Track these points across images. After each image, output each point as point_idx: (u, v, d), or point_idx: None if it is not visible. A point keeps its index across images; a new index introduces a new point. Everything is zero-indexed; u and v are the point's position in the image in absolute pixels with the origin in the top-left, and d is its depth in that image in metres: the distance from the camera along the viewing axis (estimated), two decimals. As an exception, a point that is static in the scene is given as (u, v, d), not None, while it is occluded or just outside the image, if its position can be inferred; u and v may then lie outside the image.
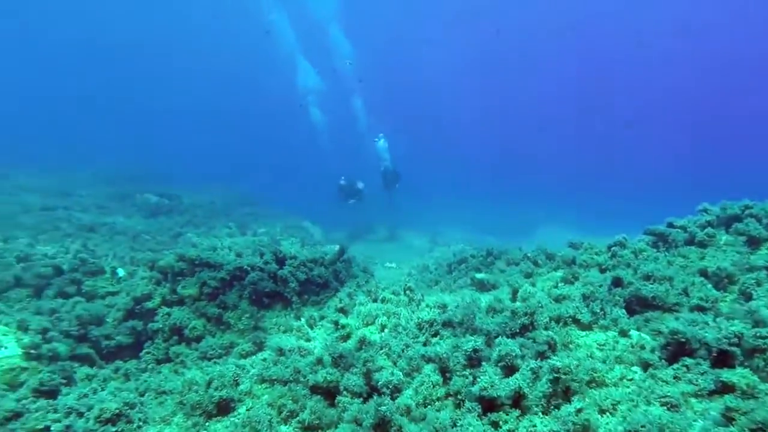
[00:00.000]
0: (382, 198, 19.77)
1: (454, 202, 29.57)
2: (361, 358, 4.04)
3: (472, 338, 3.86)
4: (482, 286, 6.91)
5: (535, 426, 3.23)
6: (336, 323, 5.15)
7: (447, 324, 4.49)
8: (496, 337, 4.03)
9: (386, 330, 4.84)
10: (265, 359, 4.59)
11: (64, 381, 4.36)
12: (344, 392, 3.85)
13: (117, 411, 3.38)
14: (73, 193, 15.20)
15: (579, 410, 3.14)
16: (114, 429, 3.33)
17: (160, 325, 5.74)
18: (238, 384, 4.12)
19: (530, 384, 3.52)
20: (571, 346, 4.46)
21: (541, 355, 3.89)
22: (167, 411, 3.90)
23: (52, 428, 3.51)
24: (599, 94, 48.61)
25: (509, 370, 3.73)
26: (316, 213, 18.63)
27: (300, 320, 5.84)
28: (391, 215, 20.37)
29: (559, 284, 5.97)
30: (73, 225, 10.73)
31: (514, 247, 8.73)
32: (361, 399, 3.79)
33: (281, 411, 3.71)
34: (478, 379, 3.50)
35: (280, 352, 4.50)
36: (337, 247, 12.58)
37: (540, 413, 3.44)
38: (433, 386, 3.78)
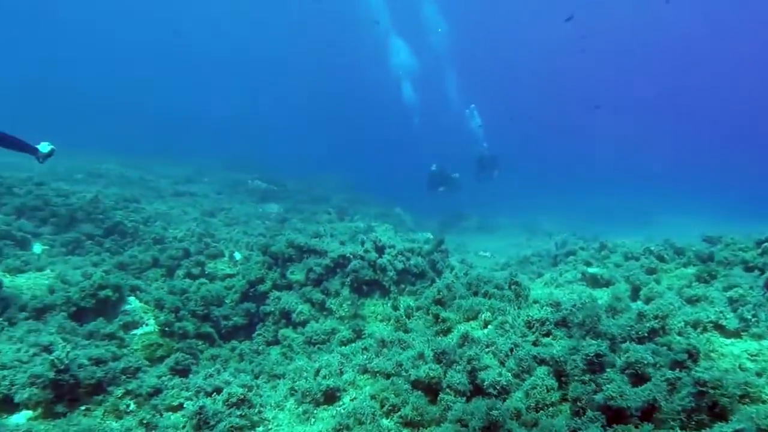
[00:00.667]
0: (474, 185, 18.25)
1: (552, 188, 27.76)
2: (465, 355, 3.87)
3: (595, 342, 3.48)
4: (595, 282, 6.30)
5: (675, 444, 2.85)
6: (437, 316, 5.02)
7: (561, 323, 4.13)
8: (622, 342, 3.61)
9: (490, 326, 4.60)
10: (366, 348, 4.63)
11: (193, 361, 4.85)
12: (447, 390, 3.73)
13: (242, 396, 3.65)
14: (197, 179, 17.02)
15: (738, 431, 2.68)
16: (239, 412, 3.60)
17: (271, 309, 6.12)
18: (342, 373, 4.21)
19: (666, 396, 3.12)
20: (713, 355, 3.88)
21: (679, 365, 3.40)
22: (280, 396, 4.12)
23: (185, 405, 3.91)
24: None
25: (637, 378, 3.34)
26: (407, 200, 18.49)
27: (398, 310, 5.82)
28: (483, 197, 19.34)
29: (693, 283, 5.22)
30: (197, 209, 11.98)
31: (632, 240, 7.83)
32: (464, 398, 3.64)
33: (383, 404, 3.70)
34: (603, 387, 3.16)
35: (382, 343, 4.50)
36: (430, 235, 12.49)
37: (677, 428, 3.04)
38: (547, 390, 3.50)
